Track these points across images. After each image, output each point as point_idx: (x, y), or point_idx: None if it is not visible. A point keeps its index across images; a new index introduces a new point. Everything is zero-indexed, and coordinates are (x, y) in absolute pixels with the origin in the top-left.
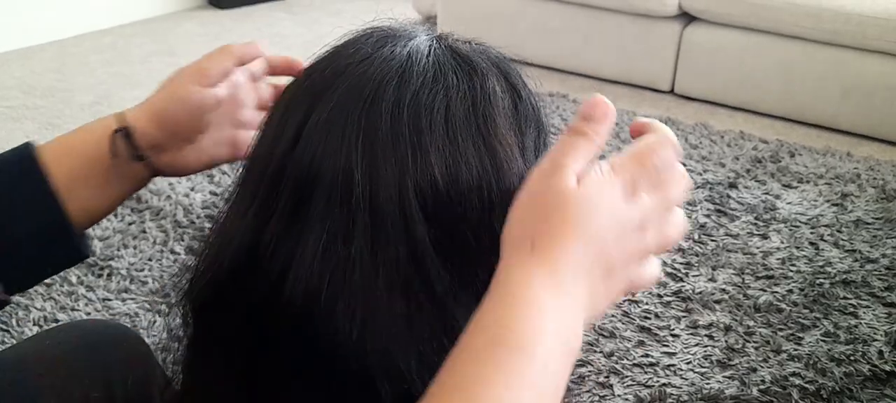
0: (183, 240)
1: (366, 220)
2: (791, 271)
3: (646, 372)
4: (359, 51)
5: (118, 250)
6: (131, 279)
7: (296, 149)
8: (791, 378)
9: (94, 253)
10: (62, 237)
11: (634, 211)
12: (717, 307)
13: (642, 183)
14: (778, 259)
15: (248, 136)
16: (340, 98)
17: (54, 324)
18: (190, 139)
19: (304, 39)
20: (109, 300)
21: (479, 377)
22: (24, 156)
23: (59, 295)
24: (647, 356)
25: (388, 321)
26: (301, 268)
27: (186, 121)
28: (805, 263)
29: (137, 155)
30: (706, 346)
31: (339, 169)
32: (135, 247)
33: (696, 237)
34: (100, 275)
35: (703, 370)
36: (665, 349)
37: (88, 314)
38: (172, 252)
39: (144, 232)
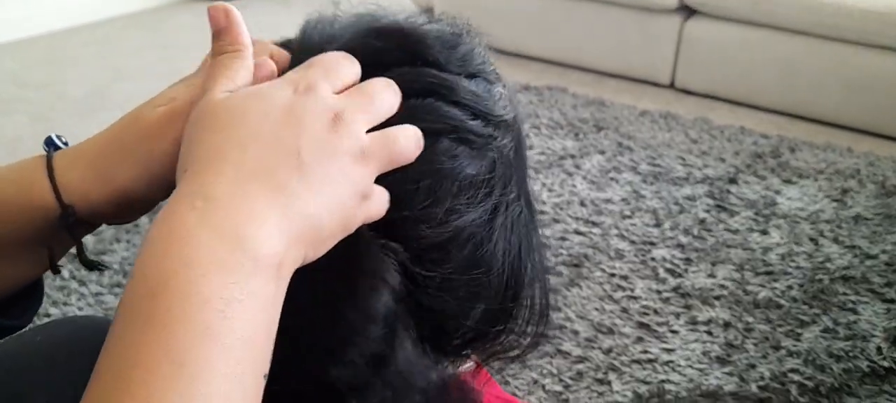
0: None
1: None
2: (790, 267)
3: (644, 369)
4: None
5: (110, 244)
6: (124, 273)
7: None
8: (790, 375)
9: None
10: None
11: (314, 102)
12: (717, 303)
13: (316, 79)
14: (777, 254)
15: None
16: None
17: (46, 319)
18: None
19: None
20: (102, 294)
21: (125, 354)
22: None
23: (50, 290)
24: (645, 352)
25: None
26: None
27: (160, 199)
28: (804, 259)
29: (84, 257)
30: (705, 342)
31: None
32: (127, 241)
33: (696, 232)
34: (92, 270)
35: (702, 366)
36: (664, 345)
37: (80, 309)
38: None
39: (137, 225)
